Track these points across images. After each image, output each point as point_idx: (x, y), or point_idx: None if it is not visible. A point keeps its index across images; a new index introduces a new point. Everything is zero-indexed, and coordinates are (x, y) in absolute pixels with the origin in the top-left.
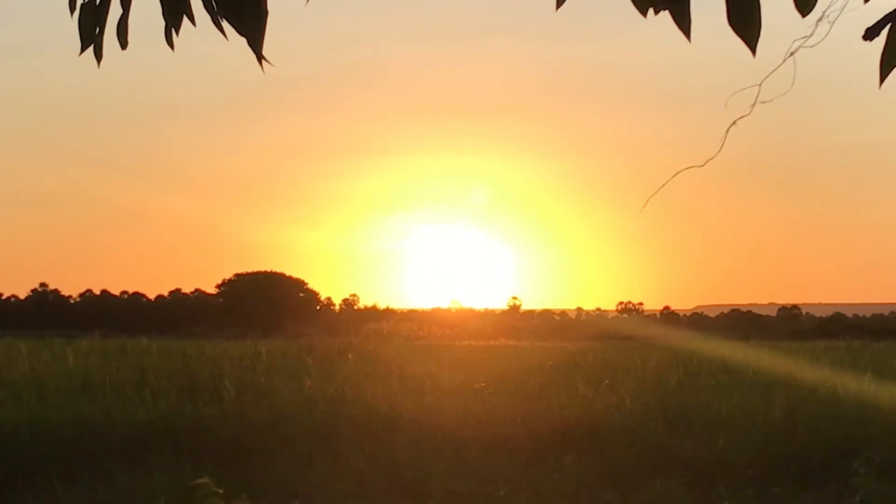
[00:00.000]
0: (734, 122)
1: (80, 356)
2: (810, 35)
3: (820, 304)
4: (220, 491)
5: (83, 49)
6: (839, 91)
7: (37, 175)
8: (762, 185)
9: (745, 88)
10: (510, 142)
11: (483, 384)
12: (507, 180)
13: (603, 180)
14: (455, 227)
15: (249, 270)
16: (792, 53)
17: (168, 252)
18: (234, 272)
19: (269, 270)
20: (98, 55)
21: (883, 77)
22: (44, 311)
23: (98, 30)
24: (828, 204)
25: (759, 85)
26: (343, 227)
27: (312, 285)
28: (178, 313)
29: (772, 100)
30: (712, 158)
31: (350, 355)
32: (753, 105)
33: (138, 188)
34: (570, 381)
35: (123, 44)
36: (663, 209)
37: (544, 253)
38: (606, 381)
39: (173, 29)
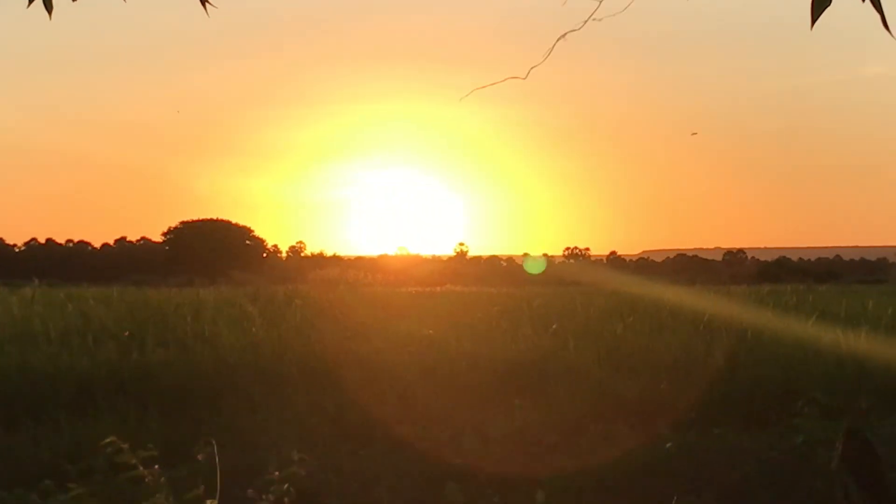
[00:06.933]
0: (563, 35)
1: (24, 305)
2: None
3: (765, 247)
4: (126, 446)
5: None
6: (777, 36)
7: None
8: (708, 131)
9: None
10: (456, 88)
11: (430, 331)
12: (453, 127)
13: (550, 127)
14: (402, 174)
15: (195, 218)
16: None
17: (114, 200)
18: (181, 220)
19: (214, 218)
20: (48, 7)
21: (814, 20)
22: None
23: None
24: (772, 149)
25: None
26: (289, 174)
27: (259, 233)
28: (124, 261)
29: (602, 18)
30: (538, 65)
31: (296, 302)
32: (585, 21)
33: (83, 136)
34: (517, 327)
35: None
36: (610, 155)
37: (491, 199)
38: (552, 326)
39: None
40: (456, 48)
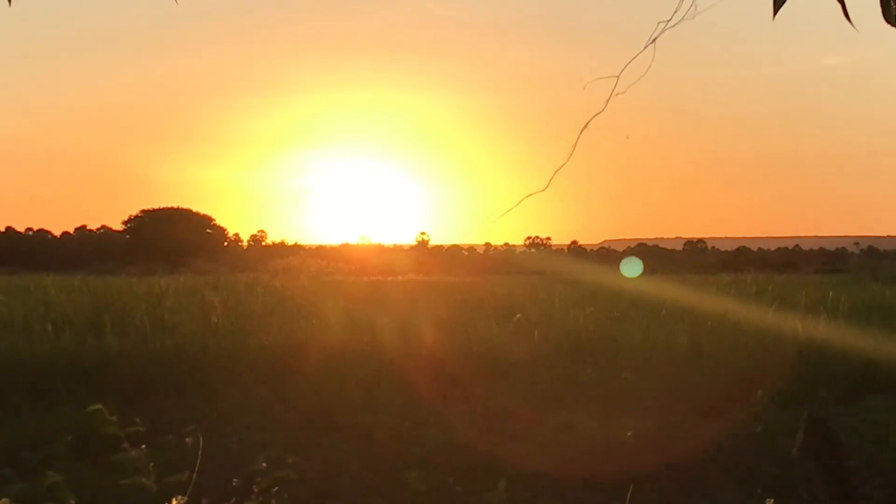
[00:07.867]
0: (586, 125)
1: None
2: (670, 20)
3: (725, 237)
4: (114, 418)
5: None
6: (739, 27)
7: None
8: (668, 122)
9: (602, 78)
10: (419, 77)
11: (392, 320)
12: (415, 115)
13: (512, 115)
14: (363, 163)
15: (156, 207)
16: (654, 39)
17: (73, 189)
18: (141, 208)
19: (175, 206)
20: None
21: (776, 9)
22: None
23: None
24: (732, 140)
25: (617, 77)
26: (250, 163)
27: (220, 221)
28: (84, 250)
29: (625, 91)
30: (560, 169)
31: (258, 290)
32: (608, 100)
33: (41, 124)
34: (479, 316)
35: None
36: (570, 145)
37: (453, 188)
38: (515, 316)
39: None
40: (415, 37)
